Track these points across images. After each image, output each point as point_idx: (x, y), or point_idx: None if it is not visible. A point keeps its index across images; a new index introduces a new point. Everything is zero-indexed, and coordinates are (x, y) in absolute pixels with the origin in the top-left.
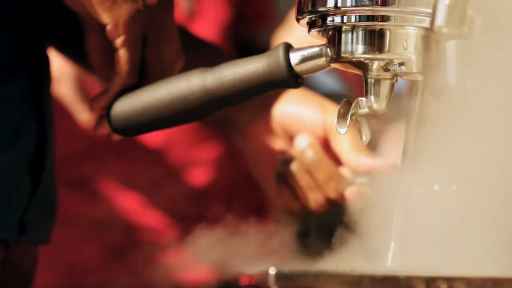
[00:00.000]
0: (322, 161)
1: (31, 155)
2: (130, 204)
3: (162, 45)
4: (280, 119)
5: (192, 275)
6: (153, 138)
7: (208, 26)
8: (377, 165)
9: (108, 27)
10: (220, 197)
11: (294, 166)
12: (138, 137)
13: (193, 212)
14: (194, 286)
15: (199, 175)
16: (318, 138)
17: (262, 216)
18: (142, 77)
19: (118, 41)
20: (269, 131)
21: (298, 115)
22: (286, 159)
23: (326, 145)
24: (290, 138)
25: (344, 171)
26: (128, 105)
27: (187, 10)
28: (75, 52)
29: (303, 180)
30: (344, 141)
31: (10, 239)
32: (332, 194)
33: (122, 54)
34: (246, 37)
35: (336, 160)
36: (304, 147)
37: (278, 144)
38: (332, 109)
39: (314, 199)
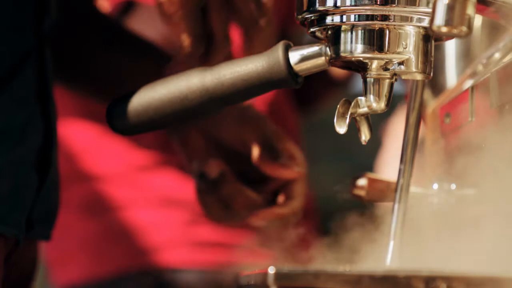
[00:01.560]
0: (236, 192)
1: (37, 152)
2: (190, 190)
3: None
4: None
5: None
6: None
7: None
8: (286, 170)
9: (164, 4)
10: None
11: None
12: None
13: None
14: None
15: None
16: (235, 131)
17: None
18: (210, 44)
19: (176, 17)
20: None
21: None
22: (201, 172)
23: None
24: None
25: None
26: (128, 104)
27: None
28: (83, 84)
29: (216, 202)
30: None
31: (20, 237)
32: (249, 219)
33: (182, 28)
34: None
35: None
36: (215, 178)
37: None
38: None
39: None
